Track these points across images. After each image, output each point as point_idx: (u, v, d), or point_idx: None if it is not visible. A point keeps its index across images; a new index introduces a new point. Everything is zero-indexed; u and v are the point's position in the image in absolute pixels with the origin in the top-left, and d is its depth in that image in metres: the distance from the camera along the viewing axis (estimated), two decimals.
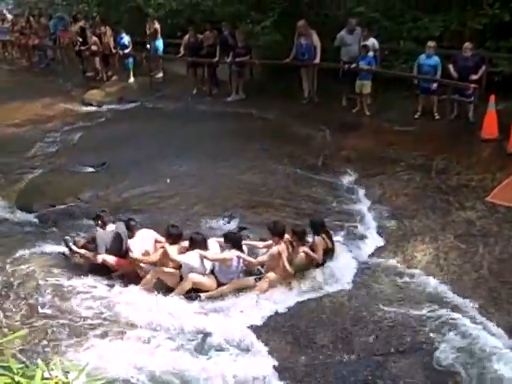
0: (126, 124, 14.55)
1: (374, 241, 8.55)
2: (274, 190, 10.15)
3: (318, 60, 14.01)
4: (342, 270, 7.73)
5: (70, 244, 8.44)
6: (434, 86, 12.48)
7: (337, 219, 9.09)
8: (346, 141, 12.15)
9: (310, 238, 7.84)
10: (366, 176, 10.51)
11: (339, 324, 6.71)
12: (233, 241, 7.59)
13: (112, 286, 7.65)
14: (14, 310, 7.11)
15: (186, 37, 16.33)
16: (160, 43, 17.67)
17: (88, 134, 14.21)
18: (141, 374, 6.03)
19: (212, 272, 7.68)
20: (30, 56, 22.16)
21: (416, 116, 12.76)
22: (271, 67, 15.61)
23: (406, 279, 7.47)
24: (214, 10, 17.54)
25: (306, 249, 7.57)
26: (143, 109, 16.02)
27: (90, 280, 7.83)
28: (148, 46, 17.92)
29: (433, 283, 7.34)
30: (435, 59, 12.32)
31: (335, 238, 8.15)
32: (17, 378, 2.44)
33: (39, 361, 2.54)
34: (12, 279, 7.76)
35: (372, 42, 13.33)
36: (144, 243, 8.01)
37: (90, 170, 11.91)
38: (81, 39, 19.16)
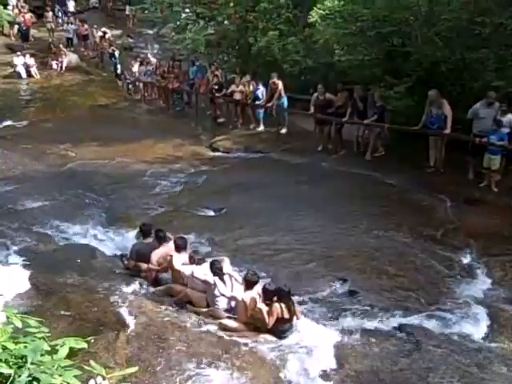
0: (250, 173, 14.90)
1: (489, 324, 8.08)
2: (390, 257, 9.94)
3: (448, 130, 13.71)
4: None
5: (124, 259, 9.80)
6: None
7: (452, 296, 8.74)
8: (469, 215, 11.70)
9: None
10: (487, 255, 10.01)
11: None
12: (213, 268, 8.27)
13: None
14: (124, 344, 7.27)
15: (315, 95, 16.61)
16: (284, 100, 18.16)
17: (212, 178, 14.67)
18: None
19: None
20: (168, 98, 23.37)
21: None
22: (399, 132, 15.50)
23: None
24: (347, 71, 17.76)
25: (262, 307, 7.69)
26: (268, 160, 16.27)
27: (193, 313, 8.14)
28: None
29: None
30: None
31: (448, 317, 7.93)
32: None
33: None
34: (123, 314, 8.00)
35: (509, 118, 12.88)
36: (164, 255, 9.05)
37: (210, 213, 12.25)
38: (217, 87, 20.05)
